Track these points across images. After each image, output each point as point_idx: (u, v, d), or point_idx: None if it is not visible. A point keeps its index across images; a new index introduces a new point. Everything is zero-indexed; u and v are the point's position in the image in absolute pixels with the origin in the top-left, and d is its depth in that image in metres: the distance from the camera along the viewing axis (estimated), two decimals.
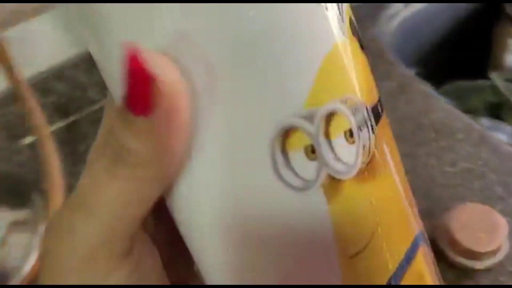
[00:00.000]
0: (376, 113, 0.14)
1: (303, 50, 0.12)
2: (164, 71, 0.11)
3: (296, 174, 0.13)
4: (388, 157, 0.15)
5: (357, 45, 0.14)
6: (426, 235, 0.16)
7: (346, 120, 0.13)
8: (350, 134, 0.13)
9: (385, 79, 0.51)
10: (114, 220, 0.12)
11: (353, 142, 0.13)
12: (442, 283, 0.16)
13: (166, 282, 0.15)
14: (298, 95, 0.12)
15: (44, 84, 0.51)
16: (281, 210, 0.13)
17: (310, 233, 0.13)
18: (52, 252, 0.13)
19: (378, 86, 0.15)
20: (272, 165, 0.13)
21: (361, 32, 0.15)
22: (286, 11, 0.12)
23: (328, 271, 0.13)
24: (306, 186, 0.13)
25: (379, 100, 0.15)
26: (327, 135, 0.13)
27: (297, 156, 0.13)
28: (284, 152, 0.13)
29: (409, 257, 0.15)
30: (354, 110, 0.13)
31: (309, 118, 0.12)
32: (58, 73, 0.52)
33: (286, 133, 0.12)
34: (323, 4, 0.13)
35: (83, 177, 0.13)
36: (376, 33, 0.57)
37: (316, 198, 0.13)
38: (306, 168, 0.13)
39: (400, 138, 0.46)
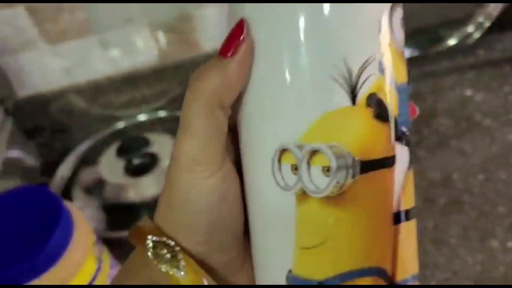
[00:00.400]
0: (370, 166, 0.19)
1: (311, 105, 0.18)
2: (247, 37, 0.19)
3: (282, 178, 0.19)
4: (372, 203, 0.19)
5: (367, 114, 0.18)
6: (390, 274, 0.20)
7: (326, 159, 0.18)
8: (327, 169, 0.18)
9: None
10: (207, 137, 0.20)
11: (328, 176, 0.18)
12: None
13: (242, 207, 0.22)
14: (298, 130, 0.19)
15: None
16: (268, 194, 0.20)
17: (281, 217, 0.20)
18: (173, 160, 0.21)
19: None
20: (271, 165, 0.19)
21: None
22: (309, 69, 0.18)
23: (284, 251, 0.20)
24: (286, 188, 0.19)
25: (384, 158, 0.19)
26: (309, 163, 0.18)
27: (286, 168, 0.19)
28: (279, 161, 0.19)
29: (352, 276, 0.19)
30: (338, 155, 0.18)
31: (300, 147, 0.18)
32: None
33: (283, 150, 0.19)
34: (338, 81, 0.18)
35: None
36: None
37: (290, 198, 0.19)
38: (289, 177, 0.19)
39: None
